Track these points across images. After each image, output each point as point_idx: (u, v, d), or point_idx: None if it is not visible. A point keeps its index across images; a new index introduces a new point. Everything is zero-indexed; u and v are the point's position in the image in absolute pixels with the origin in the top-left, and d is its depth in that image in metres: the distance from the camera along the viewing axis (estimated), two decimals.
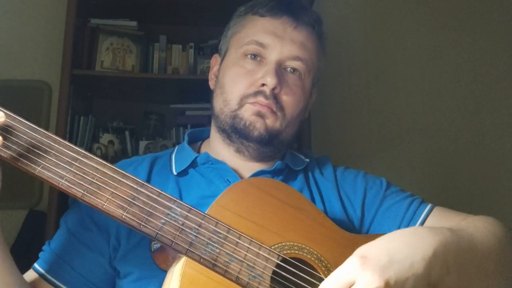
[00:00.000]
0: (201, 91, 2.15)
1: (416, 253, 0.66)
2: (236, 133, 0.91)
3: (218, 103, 0.95)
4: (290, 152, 1.01)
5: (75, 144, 0.69)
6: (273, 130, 0.91)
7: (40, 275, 0.84)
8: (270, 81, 0.88)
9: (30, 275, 0.83)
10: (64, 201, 1.95)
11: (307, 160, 1.01)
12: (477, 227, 0.81)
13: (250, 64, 0.92)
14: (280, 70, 0.92)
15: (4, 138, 0.64)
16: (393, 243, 0.67)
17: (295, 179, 0.96)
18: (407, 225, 0.91)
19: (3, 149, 0.64)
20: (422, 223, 0.91)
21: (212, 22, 2.29)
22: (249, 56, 0.93)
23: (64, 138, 0.68)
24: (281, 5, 0.95)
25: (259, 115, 0.90)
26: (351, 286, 0.62)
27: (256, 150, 0.93)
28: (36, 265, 0.85)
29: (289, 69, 0.93)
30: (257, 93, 0.90)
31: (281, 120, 0.91)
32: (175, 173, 0.93)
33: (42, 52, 2.35)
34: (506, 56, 2.50)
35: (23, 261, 0.80)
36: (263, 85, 0.89)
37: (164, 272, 0.73)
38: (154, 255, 0.76)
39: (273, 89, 0.89)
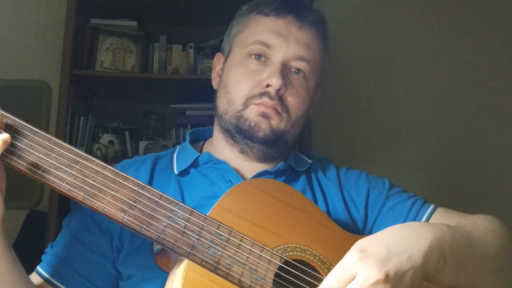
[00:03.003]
0: (201, 91, 2.15)
1: (413, 246, 0.66)
2: (240, 133, 0.91)
3: (222, 103, 0.94)
4: (293, 153, 1.01)
5: (75, 145, 0.69)
6: (278, 131, 0.90)
7: (45, 279, 0.83)
8: (275, 82, 0.88)
9: (34, 279, 0.83)
10: (65, 201, 1.95)
11: (310, 161, 1.00)
12: (476, 224, 0.81)
13: (255, 64, 0.92)
14: (285, 70, 0.91)
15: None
16: (390, 237, 0.67)
17: (297, 180, 0.96)
18: None
19: (4, 153, 0.64)
20: None
21: (212, 22, 2.28)
22: (253, 56, 0.92)
23: (64, 139, 0.68)
24: (285, 4, 0.94)
25: (264, 116, 0.89)
26: (352, 280, 0.63)
27: (261, 151, 0.92)
28: (40, 269, 0.85)
29: (293, 69, 0.92)
30: (262, 94, 0.89)
31: (286, 121, 0.91)
32: (176, 172, 0.93)
33: (42, 52, 2.35)
34: (506, 56, 2.49)
35: (23, 262, 0.79)
36: (268, 85, 0.89)
37: (166, 274, 0.73)
38: (156, 257, 0.75)
39: (278, 90, 0.89)
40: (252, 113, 0.89)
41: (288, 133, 0.92)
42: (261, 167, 0.94)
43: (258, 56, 0.92)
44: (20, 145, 0.65)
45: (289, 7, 0.94)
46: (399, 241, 0.67)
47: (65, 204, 1.95)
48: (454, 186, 2.38)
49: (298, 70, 0.93)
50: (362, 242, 0.67)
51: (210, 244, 0.68)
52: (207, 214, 0.72)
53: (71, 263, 0.84)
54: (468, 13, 2.53)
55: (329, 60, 1.00)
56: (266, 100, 0.89)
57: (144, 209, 0.67)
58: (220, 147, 0.96)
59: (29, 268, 0.85)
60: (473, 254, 0.74)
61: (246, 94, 0.90)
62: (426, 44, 2.51)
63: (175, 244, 0.67)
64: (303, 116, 0.95)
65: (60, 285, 0.83)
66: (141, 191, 0.69)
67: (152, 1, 2.23)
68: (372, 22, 2.53)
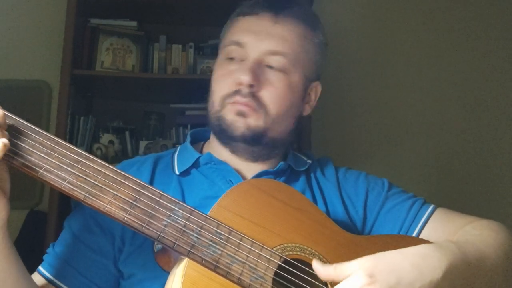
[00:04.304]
0: (201, 91, 2.14)
1: (425, 277, 0.65)
2: (222, 134, 0.91)
3: (208, 106, 0.95)
4: (292, 153, 1.01)
5: (75, 145, 0.69)
6: (257, 128, 0.89)
7: (48, 280, 0.84)
8: (243, 78, 0.87)
9: (36, 280, 0.83)
10: (65, 201, 1.95)
11: (309, 161, 1.00)
12: (484, 237, 0.80)
13: (233, 65, 0.92)
14: (260, 67, 0.90)
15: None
16: (402, 264, 0.65)
17: (297, 180, 0.96)
18: (409, 226, 0.91)
19: (7, 153, 0.64)
20: (424, 224, 0.91)
21: (212, 22, 2.27)
22: (231, 57, 0.93)
23: (64, 139, 0.68)
24: (261, 2, 0.94)
25: (240, 114, 0.89)
26: None
27: (246, 150, 0.92)
28: (42, 269, 0.85)
29: (270, 65, 0.91)
30: (235, 92, 0.89)
31: (264, 118, 0.89)
32: (177, 173, 0.93)
33: (42, 52, 2.35)
34: (506, 56, 2.50)
35: (23, 261, 0.80)
36: (241, 84, 0.89)
37: (167, 273, 0.73)
38: (157, 257, 0.76)
39: (251, 86, 0.88)
40: (229, 112, 0.90)
41: (271, 130, 0.91)
42: (260, 167, 0.95)
43: (235, 57, 0.92)
44: (22, 144, 0.66)
45: (266, 4, 0.93)
46: (410, 270, 0.65)
47: (65, 204, 1.96)
48: (454, 186, 2.38)
49: (275, 65, 0.91)
50: (372, 265, 0.64)
51: (210, 243, 0.69)
52: (207, 214, 0.72)
53: (73, 263, 0.84)
54: (467, 13, 2.53)
55: (322, 52, 0.97)
56: (238, 98, 0.89)
57: (144, 208, 0.68)
58: (218, 148, 0.97)
59: (29, 268, 0.85)
60: (482, 275, 0.73)
61: (222, 94, 0.91)
62: (426, 44, 2.51)
63: (175, 243, 0.67)
64: (288, 112, 0.92)
65: (63, 286, 0.83)
66: (142, 190, 0.69)
67: (152, 1, 2.23)
68: (372, 22, 2.53)
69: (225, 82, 0.91)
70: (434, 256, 0.68)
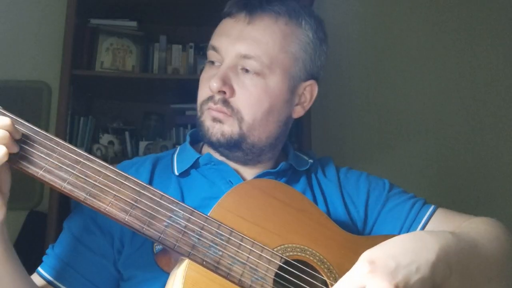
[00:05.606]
0: None
1: (420, 257, 0.66)
2: (204, 139, 0.91)
3: None
4: (294, 153, 1.00)
5: (75, 145, 0.69)
6: (233, 134, 0.88)
7: (48, 281, 0.83)
8: (211, 85, 0.86)
9: (35, 281, 0.82)
10: (65, 202, 1.95)
11: (311, 161, 1.00)
12: (479, 229, 0.81)
13: (213, 69, 0.90)
14: (234, 72, 0.88)
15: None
16: (398, 248, 0.67)
17: (298, 180, 0.95)
18: (410, 226, 0.91)
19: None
20: (425, 225, 0.91)
21: (212, 22, 2.27)
22: (210, 62, 0.92)
23: (64, 139, 0.68)
24: (239, 2, 0.91)
25: (216, 120, 0.88)
26: None
27: (230, 155, 0.92)
28: (42, 270, 0.85)
29: (245, 69, 0.88)
30: (209, 98, 0.89)
31: (239, 124, 0.87)
32: (177, 173, 0.93)
33: (42, 52, 2.35)
34: (506, 56, 2.50)
35: (23, 262, 0.80)
36: (212, 90, 0.88)
37: (167, 274, 0.73)
38: (157, 258, 0.76)
39: (223, 93, 0.87)
40: (206, 119, 0.89)
41: (250, 136, 0.88)
42: (261, 168, 0.94)
43: (215, 61, 0.91)
44: (21, 144, 0.66)
45: (241, 3, 0.90)
46: (407, 253, 0.66)
47: (65, 205, 1.96)
48: (454, 186, 2.38)
49: (249, 69, 0.88)
50: (370, 254, 0.65)
51: (211, 244, 0.69)
52: (208, 214, 0.72)
53: (73, 264, 0.84)
54: (468, 13, 2.53)
55: (314, 48, 0.92)
56: (211, 104, 0.88)
57: (145, 209, 0.68)
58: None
59: (29, 268, 0.84)
60: (478, 262, 0.74)
61: (200, 100, 0.91)
62: (426, 44, 2.51)
63: (176, 244, 0.67)
64: (268, 117, 0.89)
65: (63, 287, 0.83)
66: (142, 191, 0.69)
67: (152, 1, 2.23)
68: (372, 22, 2.53)
69: (203, 88, 0.91)
70: (425, 238, 0.69)
